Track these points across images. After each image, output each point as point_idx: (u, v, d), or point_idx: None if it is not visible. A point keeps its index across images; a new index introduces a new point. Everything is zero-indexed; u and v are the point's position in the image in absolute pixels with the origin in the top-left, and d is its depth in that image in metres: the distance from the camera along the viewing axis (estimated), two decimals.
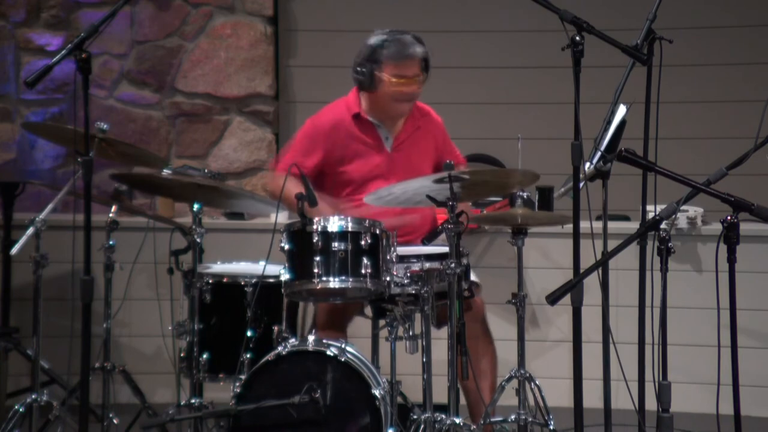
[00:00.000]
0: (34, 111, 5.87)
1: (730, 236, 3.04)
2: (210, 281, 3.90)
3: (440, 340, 3.73)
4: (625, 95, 3.59)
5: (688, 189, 3.14)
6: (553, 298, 2.94)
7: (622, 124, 3.95)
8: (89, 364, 3.43)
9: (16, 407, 4.04)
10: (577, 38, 3.19)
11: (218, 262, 4.20)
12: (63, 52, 3.29)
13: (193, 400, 3.84)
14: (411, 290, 3.69)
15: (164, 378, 4.87)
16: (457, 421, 3.62)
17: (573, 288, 3.04)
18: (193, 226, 3.89)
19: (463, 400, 3.99)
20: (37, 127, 5.22)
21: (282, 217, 4.14)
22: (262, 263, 3.87)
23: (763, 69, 5.77)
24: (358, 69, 4.21)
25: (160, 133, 5.94)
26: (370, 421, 3.58)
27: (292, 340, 3.76)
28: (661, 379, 3.08)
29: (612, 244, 3.27)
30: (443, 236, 3.64)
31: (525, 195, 4.10)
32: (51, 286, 4.53)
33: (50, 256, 3.99)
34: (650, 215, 3.26)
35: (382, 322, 3.89)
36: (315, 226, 3.64)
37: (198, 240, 3.89)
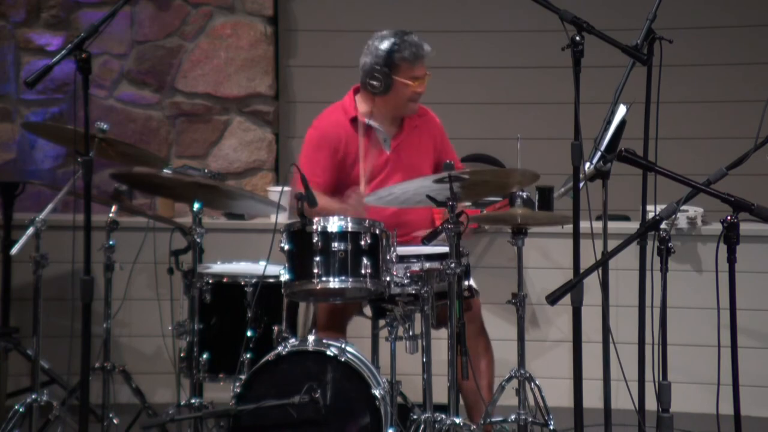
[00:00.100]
0: (34, 111, 5.87)
1: (730, 236, 3.04)
2: (210, 281, 3.90)
3: (440, 340, 3.73)
4: (625, 95, 3.59)
5: (688, 189, 3.14)
6: (553, 298, 2.94)
7: (622, 124, 3.95)
8: (89, 364, 3.43)
9: (16, 407, 4.04)
10: (577, 38, 3.19)
11: (218, 262, 4.20)
12: (63, 52, 3.29)
13: (193, 400, 3.83)
14: (411, 290, 3.70)
15: (164, 378, 4.87)
16: (457, 421, 3.63)
17: (573, 288, 3.04)
18: (193, 226, 3.88)
19: (461, 400, 3.99)
20: (37, 127, 5.22)
21: (282, 217, 4.15)
22: (262, 263, 3.88)
23: (763, 69, 5.77)
24: (375, 75, 4.19)
25: (160, 133, 5.94)
26: (370, 421, 3.58)
27: (292, 340, 3.76)
28: (661, 379, 3.08)
29: (612, 244, 3.27)
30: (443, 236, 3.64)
31: (525, 195, 4.09)
32: (51, 286, 4.53)
33: (50, 256, 3.99)
34: (650, 215, 3.26)
35: (382, 322, 3.89)
36: (315, 227, 3.64)
37: (198, 240, 3.89)
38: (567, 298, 3.07)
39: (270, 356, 3.64)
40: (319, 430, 3.58)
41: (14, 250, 3.93)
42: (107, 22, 3.36)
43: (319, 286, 3.64)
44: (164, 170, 4.02)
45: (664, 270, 3.06)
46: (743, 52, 5.83)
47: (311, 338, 3.73)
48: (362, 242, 3.64)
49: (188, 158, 5.83)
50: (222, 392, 3.97)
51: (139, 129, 5.91)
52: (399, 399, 3.79)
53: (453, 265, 3.58)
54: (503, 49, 5.98)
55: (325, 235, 3.64)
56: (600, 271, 3.41)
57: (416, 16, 5.85)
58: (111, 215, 4.18)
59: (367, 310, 4.12)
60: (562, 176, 4.15)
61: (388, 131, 4.33)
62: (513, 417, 4.04)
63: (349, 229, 3.66)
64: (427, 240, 3.79)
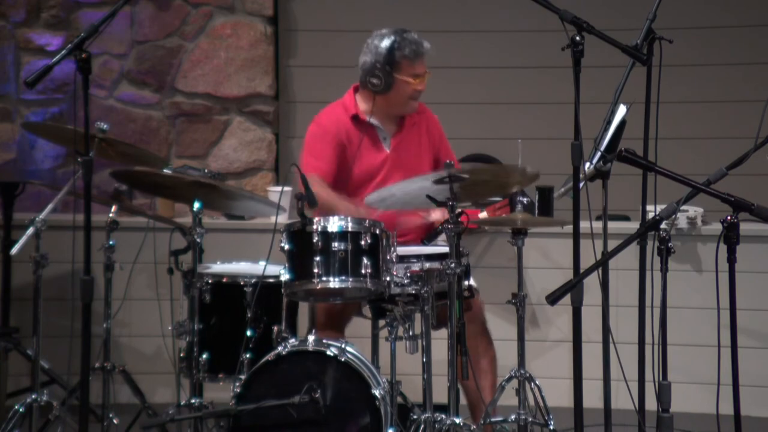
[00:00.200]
0: (34, 111, 5.87)
1: (730, 236, 3.04)
2: (210, 281, 3.90)
3: (440, 340, 3.73)
4: (625, 95, 3.59)
5: (688, 189, 3.14)
6: (553, 298, 2.94)
7: (622, 124, 3.95)
8: (89, 364, 3.43)
9: (16, 407, 4.04)
10: (577, 38, 3.19)
11: (218, 262, 4.19)
12: (63, 52, 3.29)
13: (193, 400, 3.83)
14: (411, 290, 3.69)
15: (164, 378, 4.87)
16: (457, 421, 3.63)
17: (573, 288, 3.04)
18: (193, 226, 3.88)
19: (463, 400, 3.99)
20: (37, 127, 5.22)
21: (282, 218, 4.15)
22: (262, 263, 3.88)
23: (763, 69, 5.77)
24: (376, 73, 4.19)
25: (160, 133, 5.94)
26: (370, 421, 3.57)
27: (292, 340, 3.76)
28: (661, 379, 3.08)
29: (612, 244, 3.27)
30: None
31: (525, 201, 4.10)
32: (51, 286, 4.53)
33: (50, 256, 3.99)
34: (650, 215, 3.26)
35: (382, 322, 3.89)
36: (315, 227, 3.64)
37: (198, 240, 3.88)
38: (567, 298, 3.07)
39: (270, 356, 3.64)
40: (319, 430, 3.58)
41: (14, 250, 3.93)
42: (107, 22, 3.36)
43: (319, 286, 3.64)
44: (164, 170, 4.02)
45: (664, 270, 3.06)
46: (743, 52, 5.84)
47: (311, 338, 3.73)
48: (362, 242, 3.64)
49: (188, 158, 5.83)
50: (222, 392, 3.97)
51: (139, 129, 5.92)
52: (399, 399, 3.79)
53: (453, 265, 3.58)
54: (503, 49, 5.98)
55: (325, 235, 3.64)
56: (600, 271, 3.41)
57: (416, 16, 5.85)
58: (111, 215, 4.18)
59: (367, 310, 4.11)
60: (562, 176, 4.15)
61: (388, 130, 4.34)
62: (513, 417, 4.03)
63: (349, 229, 3.66)
64: (427, 240, 3.80)
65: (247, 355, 3.78)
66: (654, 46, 3.44)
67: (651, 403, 3.32)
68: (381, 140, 4.33)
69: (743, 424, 3.13)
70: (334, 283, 3.64)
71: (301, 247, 3.66)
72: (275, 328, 3.85)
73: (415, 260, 3.71)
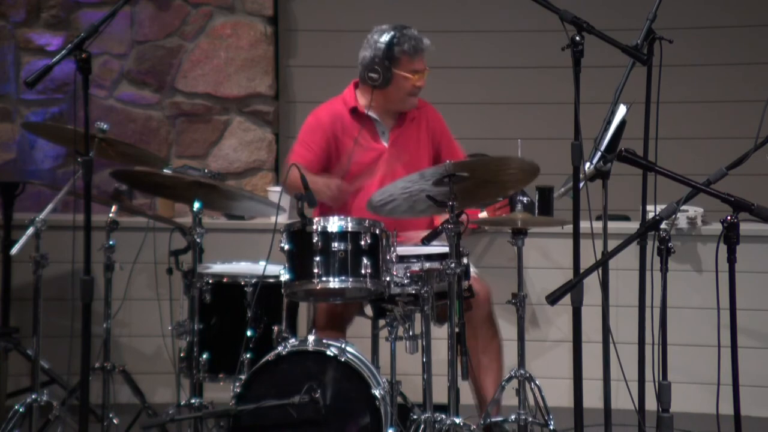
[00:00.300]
0: (34, 111, 5.87)
1: (730, 236, 3.04)
2: (210, 281, 3.90)
3: (440, 340, 3.73)
4: (625, 95, 3.59)
5: (688, 189, 3.14)
6: (553, 298, 2.94)
7: (622, 124, 3.95)
8: (89, 364, 3.43)
9: (16, 407, 4.04)
10: (577, 38, 3.19)
11: (218, 262, 4.20)
12: (63, 52, 3.29)
13: (193, 400, 3.83)
14: (411, 290, 3.69)
15: (164, 378, 4.87)
16: (457, 421, 3.62)
17: (573, 288, 3.04)
18: (193, 226, 3.88)
19: (464, 400, 3.99)
20: (37, 127, 5.22)
21: (282, 218, 4.15)
22: (262, 263, 3.88)
23: (763, 69, 5.77)
24: (375, 68, 4.21)
25: (160, 133, 5.94)
26: (370, 421, 3.57)
27: (292, 340, 3.76)
28: (661, 379, 3.08)
29: (612, 244, 3.27)
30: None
31: (525, 200, 4.09)
32: (51, 286, 4.53)
33: (50, 256, 3.99)
34: (650, 215, 3.26)
35: (382, 322, 3.89)
36: (315, 227, 3.64)
37: (198, 240, 3.88)
38: (567, 298, 3.07)
39: (270, 356, 3.64)
40: (319, 430, 3.58)
41: (14, 250, 3.93)
42: (107, 22, 3.36)
43: (319, 286, 3.64)
44: (164, 170, 4.02)
45: (664, 270, 3.06)
46: (743, 52, 5.83)
47: (311, 338, 3.73)
48: (362, 242, 3.64)
49: (188, 158, 5.83)
50: (222, 392, 3.97)
51: (139, 129, 5.91)
52: (399, 399, 3.79)
53: (453, 265, 3.58)
54: (503, 49, 5.98)
55: (325, 235, 3.64)
56: (600, 271, 3.41)
57: (416, 16, 5.84)
58: (111, 215, 4.18)
59: (368, 310, 4.11)
60: (562, 176, 4.14)
61: (387, 124, 4.36)
62: (513, 417, 4.03)
63: (349, 229, 3.66)
64: (427, 240, 3.79)
65: (247, 355, 3.78)
66: (654, 46, 3.43)
67: (651, 403, 3.32)
68: (379, 134, 4.34)
69: (743, 424, 3.13)
70: (334, 283, 3.64)
71: (301, 247, 3.66)
72: (275, 328, 3.85)
73: (415, 260, 3.70)
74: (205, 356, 3.85)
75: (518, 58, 5.95)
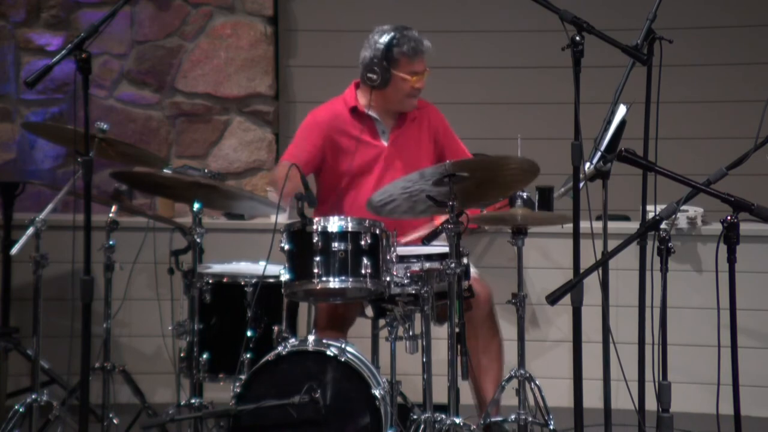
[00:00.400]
0: (34, 111, 5.87)
1: (730, 236, 3.04)
2: (210, 281, 3.90)
3: (440, 340, 3.73)
4: (625, 95, 3.59)
5: (688, 189, 3.14)
6: (553, 298, 2.94)
7: (622, 124, 3.95)
8: (89, 364, 3.43)
9: (16, 407, 4.04)
10: (577, 38, 3.19)
11: (218, 262, 4.20)
12: (63, 52, 3.29)
13: (193, 400, 3.83)
14: (411, 290, 3.69)
15: (164, 378, 4.87)
16: (457, 421, 3.62)
17: (573, 288, 3.04)
18: (193, 226, 3.88)
19: (464, 400, 3.99)
20: (37, 127, 5.21)
21: (282, 218, 4.14)
22: (262, 263, 3.87)
23: (763, 69, 5.77)
24: (374, 69, 4.21)
25: (160, 133, 5.94)
26: (370, 421, 3.57)
27: (292, 340, 3.76)
28: (661, 379, 3.08)
29: (612, 244, 3.27)
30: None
31: (525, 195, 4.09)
32: (51, 286, 4.53)
33: (50, 256, 3.99)
34: (650, 215, 3.26)
35: (382, 322, 3.89)
36: (315, 227, 3.64)
37: (198, 240, 3.89)
38: (567, 298, 3.07)
39: (270, 356, 3.64)
40: (319, 430, 3.58)
41: (14, 250, 3.93)
42: (107, 22, 3.36)
43: (319, 286, 3.64)
44: (164, 170, 4.02)
45: (664, 270, 3.06)
46: (743, 52, 5.83)
47: (311, 338, 3.73)
48: (362, 242, 3.64)
49: (188, 158, 5.83)
50: (222, 392, 3.97)
51: (139, 129, 5.91)
52: (399, 399, 3.79)
53: (453, 265, 3.58)
54: (503, 49, 5.97)
55: (325, 235, 3.64)
56: (600, 271, 3.41)
57: (416, 16, 5.84)
58: (111, 215, 4.18)
59: (368, 310, 4.11)
60: (562, 176, 4.15)
61: (387, 123, 4.36)
62: (513, 417, 4.03)
63: (350, 229, 3.66)
64: (427, 240, 3.79)
65: (248, 355, 3.78)
66: (654, 46, 3.43)
67: (651, 403, 3.32)
68: (379, 133, 4.35)
69: (743, 424, 3.13)
70: (334, 283, 3.64)
71: (301, 247, 3.66)
72: (275, 328, 3.85)
73: (415, 260, 3.70)
74: (205, 356, 3.85)
75: (518, 58, 5.95)
